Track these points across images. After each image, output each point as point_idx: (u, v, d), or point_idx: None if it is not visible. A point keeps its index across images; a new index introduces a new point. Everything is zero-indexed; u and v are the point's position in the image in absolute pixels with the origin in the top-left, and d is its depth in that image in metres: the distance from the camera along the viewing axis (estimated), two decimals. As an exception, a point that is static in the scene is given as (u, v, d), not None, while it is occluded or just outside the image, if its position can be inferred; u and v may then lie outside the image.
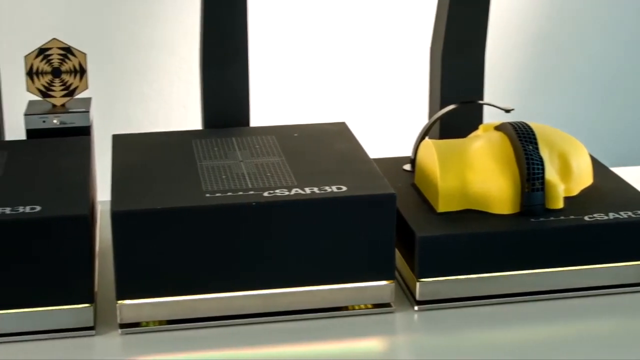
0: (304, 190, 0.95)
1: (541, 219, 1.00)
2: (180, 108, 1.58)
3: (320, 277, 0.96)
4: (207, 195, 0.94)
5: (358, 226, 0.95)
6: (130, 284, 0.93)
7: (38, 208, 0.92)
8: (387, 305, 0.98)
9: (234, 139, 1.09)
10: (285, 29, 1.58)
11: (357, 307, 0.98)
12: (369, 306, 0.98)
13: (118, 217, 0.91)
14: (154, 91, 1.57)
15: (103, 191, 1.12)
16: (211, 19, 1.12)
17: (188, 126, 1.45)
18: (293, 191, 0.95)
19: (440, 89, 1.17)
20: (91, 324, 0.94)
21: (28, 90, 1.14)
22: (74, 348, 0.93)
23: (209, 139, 1.09)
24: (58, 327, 0.93)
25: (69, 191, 0.96)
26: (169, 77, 1.57)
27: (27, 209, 0.92)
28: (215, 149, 1.06)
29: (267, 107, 1.56)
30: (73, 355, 0.92)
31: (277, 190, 0.95)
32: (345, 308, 0.98)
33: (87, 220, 0.92)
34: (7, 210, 0.92)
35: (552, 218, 1.00)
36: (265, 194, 0.95)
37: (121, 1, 1.51)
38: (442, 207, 1.02)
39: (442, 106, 1.16)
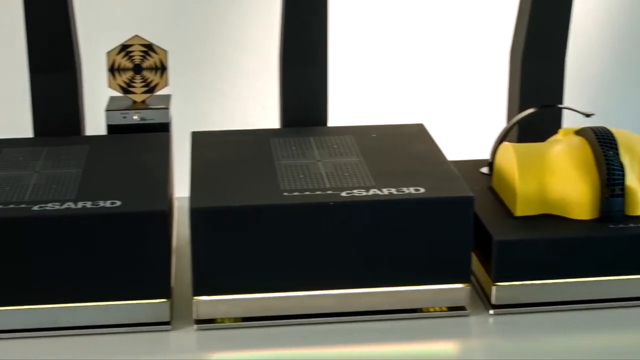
0: (382, 191, 0.95)
1: (620, 226, 0.99)
2: (257, 106, 1.59)
3: (396, 278, 0.96)
4: (285, 194, 0.95)
5: (435, 228, 0.95)
6: (207, 280, 0.94)
7: (118, 203, 0.93)
8: (462, 308, 0.98)
9: (311, 138, 1.10)
10: (366, 30, 1.58)
11: (432, 309, 0.98)
12: (444, 309, 0.98)
13: (197, 214, 0.92)
14: (231, 89, 1.58)
15: (180, 188, 1.13)
16: (292, 19, 1.12)
17: (264, 125, 1.46)
18: (371, 191, 0.95)
19: (520, 92, 1.17)
20: (167, 319, 0.95)
21: (109, 86, 1.15)
22: (150, 342, 0.93)
23: (287, 138, 1.09)
24: (135, 321, 0.94)
25: (149, 187, 0.97)
26: (247, 75, 1.58)
27: (108, 204, 0.93)
28: (293, 148, 1.07)
29: (345, 108, 1.56)
30: (149, 349, 0.93)
31: (354, 191, 0.95)
32: (420, 310, 0.97)
33: (166, 216, 0.92)
34: (88, 204, 0.93)
35: (631, 225, 0.99)
36: (343, 193, 0.95)
37: (203, 1, 1.53)
38: (520, 211, 1.01)
39: (521, 109, 1.16)
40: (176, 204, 1.17)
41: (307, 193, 0.95)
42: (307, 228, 0.93)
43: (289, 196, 0.94)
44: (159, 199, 0.94)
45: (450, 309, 0.98)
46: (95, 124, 1.20)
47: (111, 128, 1.14)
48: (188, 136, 1.11)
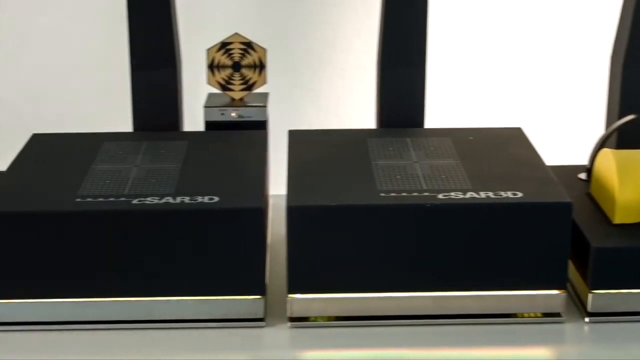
0: (479, 194, 0.95)
1: None
2: (352, 106, 1.59)
3: (491, 282, 0.95)
4: (382, 194, 0.95)
5: (532, 233, 0.94)
6: (302, 278, 0.94)
7: (216, 199, 0.94)
8: (557, 314, 0.97)
9: (408, 139, 1.09)
10: (465, 31, 1.57)
11: (526, 315, 0.97)
12: (539, 315, 0.97)
13: (293, 212, 0.93)
14: (326, 88, 1.58)
15: (273, 185, 1.14)
16: (391, 19, 1.12)
17: (358, 124, 1.46)
18: (468, 194, 0.95)
19: (620, 98, 1.15)
20: (262, 316, 0.95)
21: (208, 83, 1.16)
22: (244, 338, 0.94)
23: (384, 139, 1.09)
24: (229, 317, 0.95)
25: (246, 184, 0.98)
26: (342, 75, 1.58)
27: (206, 199, 0.94)
28: (390, 148, 1.06)
29: (442, 110, 1.55)
30: (243, 346, 0.93)
31: (451, 193, 0.95)
32: (515, 315, 0.97)
33: (263, 213, 0.93)
34: (187, 199, 0.94)
35: None
36: (440, 195, 0.94)
37: (301, 1, 1.53)
38: (618, 219, 1.00)
39: (621, 116, 1.14)
40: (271, 202, 1.18)
41: (404, 194, 0.95)
42: (403, 229, 0.93)
43: (386, 197, 0.94)
44: (255, 196, 0.95)
45: (545, 315, 0.97)
46: (193, 120, 1.21)
47: (209, 124, 1.15)
48: (283, 134, 1.12)
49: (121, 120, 1.26)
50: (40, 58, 1.51)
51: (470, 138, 1.10)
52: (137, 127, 1.15)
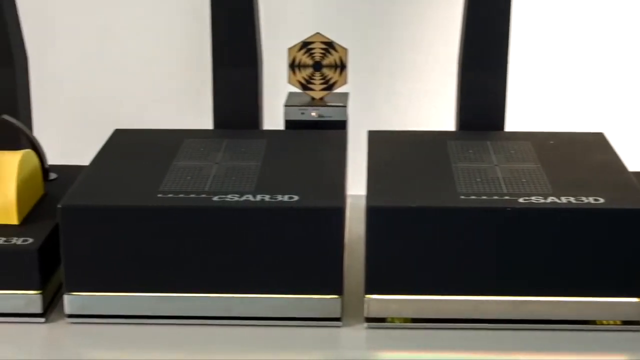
0: (560, 199, 0.94)
1: None
2: (430, 108, 1.59)
3: (571, 288, 0.94)
4: (462, 197, 0.94)
5: (613, 240, 0.93)
6: (380, 279, 0.94)
7: (296, 197, 0.94)
8: (637, 323, 0.96)
9: (488, 142, 1.09)
10: (547, 34, 1.56)
11: (605, 323, 0.96)
12: (618, 322, 0.96)
13: (373, 212, 0.93)
14: (405, 89, 1.58)
15: (351, 185, 1.14)
16: (474, 22, 1.12)
17: (436, 126, 1.45)
18: (549, 199, 0.94)
19: None
20: (338, 315, 0.95)
21: (289, 82, 1.17)
22: (321, 337, 0.94)
23: (464, 141, 1.09)
24: (306, 316, 0.95)
25: (326, 183, 0.98)
26: (421, 76, 1.58)
27: (285, 198, 0.94)
28: (470, 151, 1.06)
29: (521, 112, 1.54)
30: (319, 345, 0.93)
31: (532, 197, 0.94)
32: (594, 322, 0.96)
33: (343, 213, 0.93)
34: (267, 197, 0.95)
35: None
36: (521, 199, 0.94)
37: (383, 1, 1.53)
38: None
39: None
40: (348, 201, 1.18)
41: (484, 197, 0.94)
42: (482, 232, 0.92)
43: (466, 200, 0.94)
44: (335, 195, 0.95)
45: (625, 323, 0.96)
46: (273, 118, 1.22)
47: (289, 123, 1.15)
48: (360, 134, 1.12)
49: (201, 118, 1.27)
50: (122, 54, 1.52)
51: (551, 142, 1.09)
52: (218, 125, 1.16)
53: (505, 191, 0.96)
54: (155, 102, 1.50)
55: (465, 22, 1.12)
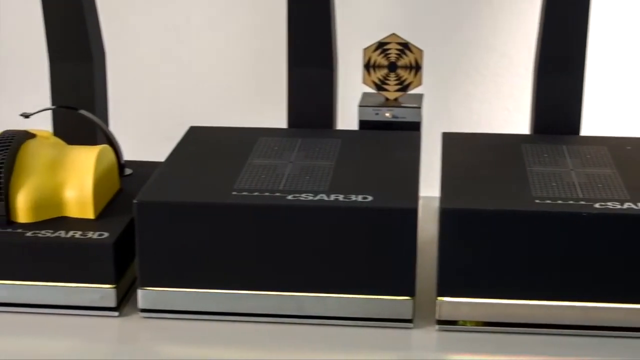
0: (637, 205, 0.93)
1: None
2: (503, 110, 1.58)
3: (629, 295, 0.93)
4: (537, 201, 0.94)
5: (691, 247, 0.92)
6: (452, 281, 0.94)
7: (370, 198, 0.94)
8: None
9: (564, 146, 1.08)
10: (624, 37, 1.54)
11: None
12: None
13: (447, 215, 0.92)
14: (478, 92, 1.57)
15: (423, 187, 1.14)
16: (551, 22, 1.11)
17: (509, 129, 1.44)
18: (625, 205, 0.93)
19: None
20: (410, 317, 0.95)
21: (364, 82, 1.17)
22: (392, 338, 0.94)
23: (539, 145, 1.08)
24: (377, 316, 0.95)
25: (399, 184, 0.98)
26: (495, 79, 1.57)
27: (359, 198, 0.94)
28: (545, 155, 1.05)
29: (598, 117, 1.53)
30: (390, 346, 0.93)
31: (608, 203, 0.93)
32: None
33: (416, 214, 0.93)
34: (341, 197, 0.95)
35: None
36: (597, 205, 0.93)
37: (460, 3, 1.53)
38: None
39: None
40: (420, 203, 1.17)
41: (559, 202, 0.93)
42: (557, 237, 0.92)
43: (541, 204, 0.93)
44: (409, 196, 0.95)
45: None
46: (346, 118, 1.22)
47: (363, 123, 1.15)
48: (432, 136, 1.11)
49: (275, 117, 1.27)
50: (199, 52, 1.53)
51: (628, 148, 1.08)
52: (292, 124, 1.16)
53: (580, 196, 0.95)
54: (230, 100, 1.51)
55: (542, 24, 1.11)
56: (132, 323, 0.97)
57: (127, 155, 1.17)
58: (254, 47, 1.51)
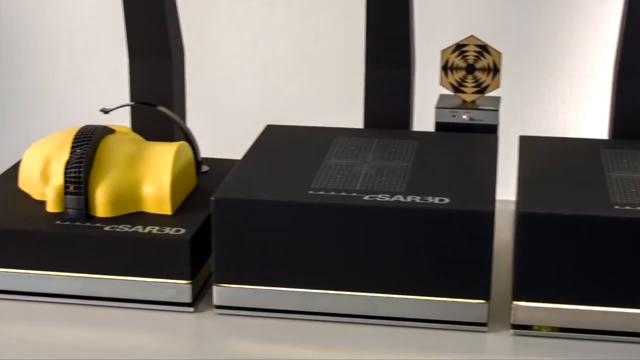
0: None
1: None
2: (579, 114, 1.56)
3: None
4: (616, 207, 0.92)
5: None
6: (528, 286, 0.93)
7: (446, 200, 0.94)
8: None
9: (645, 152, 1.07)
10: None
11: None
12: None
13: (524, 219, 0.92)
14: (554, 95, 1.56)
15: (497, 190, 1.13)
16: (633, 25, 1.09)
17: (585, 133, 1.43)
18: None
19: None
20: (484, 321, 0.95)
21: (441, 83, 1.16)
22: (466, 342, 0.94)
23: (618, 150, 1.07)
24: (451, 319, 0.95)
25: (476, 187, 0.97)
26: (572, 82, 1.56)
27: (436, 200, 0.94)
28: (624, 160, 1.04)
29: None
30: (464, 349, 0.93)
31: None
32: None
33: (493, 217, 0.92)
34: (417, 198, 0.95)
35: None
36: (677, 212, 0.92)
37: (538, 4, 1.52)
38: None
39: None
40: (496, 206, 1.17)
41: (639, 208, 0.92)
42: (636, 243, 0.90)
43: (620, 210, 0.92)
44: (486, 199, 0.95)
45: None
46: (422, 119, 1.21)
47: (439, 125, 1.15)
48: (507, 138, 1.11)
49: (351, 116, 1.27)
50: (275, 51, 1.54)
51: None
52: (368, 124, 1.16)
53: (663, 202, 0.94)
54: (305, 99, 1.52)
55: (623, 28, 1.10)
56: (207, 319, 0.98)
57: (204, 152, 1.18)
58: (332, 47, 1.51)
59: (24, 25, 1.55)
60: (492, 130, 1.14)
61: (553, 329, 0.94)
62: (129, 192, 1.02)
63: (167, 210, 1.02)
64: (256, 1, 1.49)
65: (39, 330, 0.97)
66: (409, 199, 0.94)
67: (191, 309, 0.99)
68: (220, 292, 0.98)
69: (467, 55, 1.15)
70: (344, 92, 1.47)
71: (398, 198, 0.95)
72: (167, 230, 0.98)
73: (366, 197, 0.95)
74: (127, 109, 1.18)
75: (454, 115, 1.14)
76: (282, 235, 0.95)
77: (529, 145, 1.09)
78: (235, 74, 1.51)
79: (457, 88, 1.16)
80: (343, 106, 1.46)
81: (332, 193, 0.96)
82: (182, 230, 0.98)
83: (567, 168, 1.02)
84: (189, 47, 1.22)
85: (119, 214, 1.01)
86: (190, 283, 0.98)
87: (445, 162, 1.04)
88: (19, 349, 0.94)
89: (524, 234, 0.92)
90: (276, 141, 1.11)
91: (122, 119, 1.18)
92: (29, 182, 1.06)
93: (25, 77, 1.57)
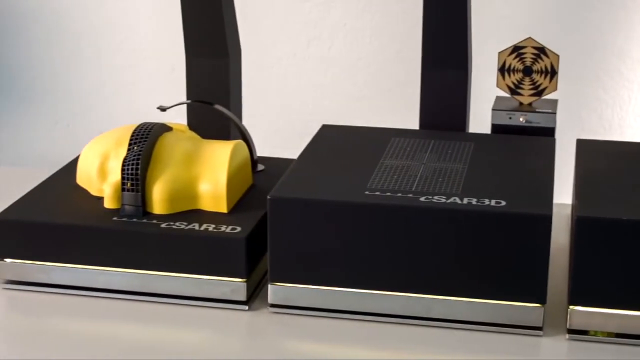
0: None
1: None
2: (636, 117, 1.55)
3: None
4: (675, 212, 0.92)
5: None
6: (585, 290, 0.92)
7: (503, 203, 0.94)
8: None
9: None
10: None
11: None
12: None
13: (582, 223, 0.91)
14: (611, 99, 1.55)
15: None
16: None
17: (640, 137, 1.42)
18: None
19: None
20: (540, 325, 0.94)
21: (497, 85, 1.16)
22: (520, 345, 0.93)
23: (676, 155, 1.06)
24: (506, 322, 0.95)
25: (534, 190, 0.97)
26: (629, 86, 1.54)
27: (493, 203, 0.94)
28: (683, 165, 1.03)
29: None
30: (519, 352, 0.92)
31: None
32: None
33: (551, 221, 0.92)
34: (474, 201, 0.94)
35: None
36: None
37: (594, 6, 1.51)
38: None
39: None
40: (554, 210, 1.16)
41: (698, 214, 0.92)
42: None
43: (680, 215, 0.91)
44: (544, 203, 0.94)
45: None
46: (477, 121, 1.21)
47: (495, 127, 1.14)
48: (563, 141, 1.10)
49: (405, 117, 1.27)
50: (331, 51, 1.54)
51: None
52: (423, 125, 1.16)
53: None
54: (360, 99, 1.52)
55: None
56: (261, 317, 0.98)
57: (259, 151, 1.19)
58: (387, 47, 1.51)
59: (85, 23, 1.56)
60: (549, 133, 1.13)
61: (609, 334, 0.94)
62: (185, 189, 1.02)
63: (223, 208, 1.02)
64: (312, 1, 1.50)
65: (95, 326, 0.98)
66: (466, 201, 0.94)
67: (246, 307, 0.99)
68: (275, 291, 0.98)
69: (524, 58, 1.15)
70: (398, 93, 1.47)
71: (454, 200, 0.94)
72: (223, 228, 0.99)
73: (422, 199, 0.95)
74: (184, 107, 1.19)
75: (510, 118, 1.14)
76: (337, 235, 0.95)
77: (587, 149, 1.08)
78: (290, 73, 1.51)
79: (514, 90, 1.15)
80: (397, 106, 1.46)
81: (388, 194, 0.96)
82: (238, 229, 0.99)
83: (626, 172, 1.02)
84: (245, 45, 1.22)
85: (175, 211, 1.02)
86: (245, 281, 0.98)
87: (501, 164, 1.04)
88: (76, 344, 0.94)
89: (582, 238, 0.91)
90: (332, 141, 1.11)
91: (178, 117, 1.19)
92: (87, 178, 1.07)
93: (84, 74, 1.58)
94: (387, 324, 0.97)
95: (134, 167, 1.01)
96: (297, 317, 0.98)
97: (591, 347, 0.93)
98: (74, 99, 1.60)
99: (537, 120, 1.13)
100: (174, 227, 0.99)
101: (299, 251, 0.96)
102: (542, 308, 0.94)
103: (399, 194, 0.96)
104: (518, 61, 1.15)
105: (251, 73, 1.35)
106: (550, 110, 1.14)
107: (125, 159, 1.02)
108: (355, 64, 1.50)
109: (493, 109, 1.14)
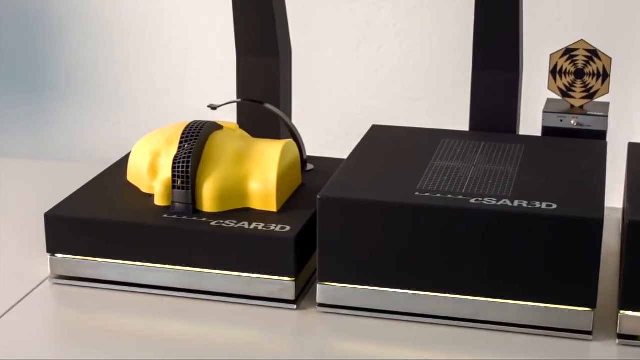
0: None
1: None
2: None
3: None
4: None
5: None
6: (636, 295, 0.92)
7: (554, 206, 0.93)
8: None
9: None
10: None
11: None
12: None
13: (634, 227, 0.90)
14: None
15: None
16: None
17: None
18: None
19: None
20: (589, 329, 0.94)
21: (549, 88, 1.15)
22: (569, 350, 0.93)
23: None
24: (555, 326, 0.94)
25: (585, 193, 0.96)
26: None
27: (544, 205, 0.93)
28: None
29: None
30: (568, 356, 0.92)
31: None
32: None
33: (602, 225, 0.91)
34: (524, 203, 0.94)
35: None
36: None
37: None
38: None
39: None
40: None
41: None
42: None
43: None
44: (595, 206, 0.93)
45: None
46: (527, 123, 1.20)
47: (546, 130, 1.14)
48: (613, 145, 1.09)
49: (455, 119, 1.27)
50: (381, 51, 1.54)
51: None
52: (473, 127, 1.15)
53: None
54: (409, 100, 1.51)
55: None
56: (309, 317, 0.98)
57: (309, 150, 1.19)
58: (437, 47, 1.51)
59: (135, 23, 1.57)
60: (600, 136, 1.12)
61: (660, 340, 0.93)
62: (235, 188, 1.03)
63: (272, 207, 1.02)
64: (362, 1, 1.49)
65: (143, 322, 0.98)
66: (516, 203, 0.94)
67: (294, 306, 0.99)
68: (323, 291, 0.98)
69: (576, 60, 1.14)
70: (448, 94, 1.46)
71: (505, 202, 0.94)
72: (272, 227, 0.99)
73: (472, 200, 0.94)
74: (234, 106, 1.19)
75: (561, 120, 1.13)
76: (386, 235, 0.95)
77: (639, 152, 1.07)
78: (340, 73, 1.51)
79: (566, 93, 1.15)
80: (447, 108, 1.45)
81: (438, 195, 0.96)
82: (287, 228, 0.99)
83: (678, 177, 1.01)
84: (295, 45, 1.23)
85: (225, 210, 1.02)
86: (294, 280, 0.98)
87: (552, 167, 1.03)
88: (124, 340, 0.95)
89: (633, 242, 0.91)
90: (382, 141, 1.11)
91: (228, 116, 1.19)
92: (138, 175, 1.08)
93: (135, 73, 1.59)
94: (435, 326, 0.96)
95: (184, 164, 1.02)
96: (345, 317, 0.98)
97: (641, 353, 0.93)
98: (124, 98, 1.61)
99: (589, 123, 1.13)
100: (223, 225, 0.99)
101: (348, 251, 0.96)
102: (592, 312, 0.93)
103: (449, 196, 0.95)
104: (570, 63, 1.14)
105: (301, 72, 1.35)
106: (602, 113, 1.13)
107: (176, 156, 1.02)
108: (405, 64, 1.50)
109: (544, 112, 1.14)
